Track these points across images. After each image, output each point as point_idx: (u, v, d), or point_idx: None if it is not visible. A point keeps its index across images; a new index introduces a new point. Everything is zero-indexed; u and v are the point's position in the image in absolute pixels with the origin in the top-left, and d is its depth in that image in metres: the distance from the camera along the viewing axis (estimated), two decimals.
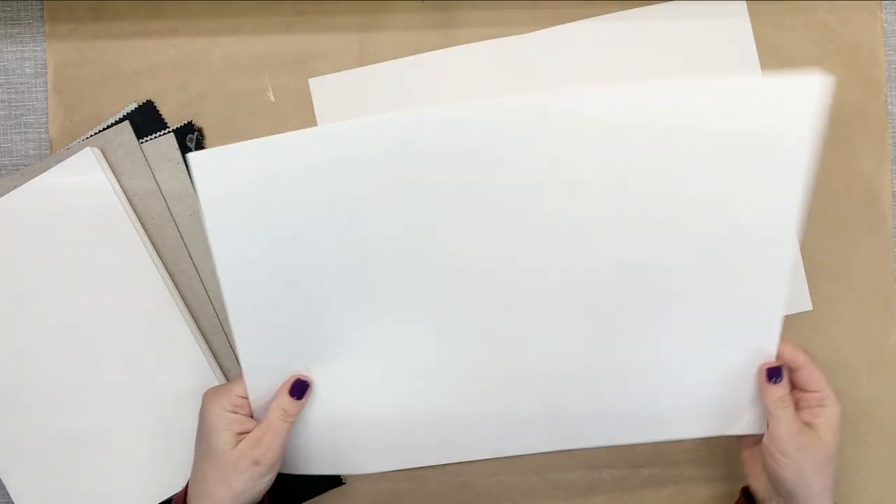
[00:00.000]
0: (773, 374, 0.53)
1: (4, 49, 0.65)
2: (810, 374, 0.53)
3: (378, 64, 0.64)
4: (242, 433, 0.53)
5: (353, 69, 0.64)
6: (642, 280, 0.52)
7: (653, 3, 0.63)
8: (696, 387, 0.55)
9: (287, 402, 0.54)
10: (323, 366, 0.55)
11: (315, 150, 0.50)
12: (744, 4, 0.63)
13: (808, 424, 0.52)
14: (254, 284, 0.52)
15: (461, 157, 0.51)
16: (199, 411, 0.54)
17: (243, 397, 0.54)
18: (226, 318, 0.63)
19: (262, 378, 0.54)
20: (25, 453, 0.61)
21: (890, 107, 0.64)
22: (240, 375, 0.54)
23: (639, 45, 0.64)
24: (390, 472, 0.62)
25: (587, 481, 0.64)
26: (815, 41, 0.64)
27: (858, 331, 0.63)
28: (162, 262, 0.62)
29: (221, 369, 0.62)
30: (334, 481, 0.63)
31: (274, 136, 0.50)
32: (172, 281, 0.62)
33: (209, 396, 0.55)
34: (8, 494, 0.62)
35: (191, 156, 0.51)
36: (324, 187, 0.51)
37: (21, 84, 0.65)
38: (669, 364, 0.54)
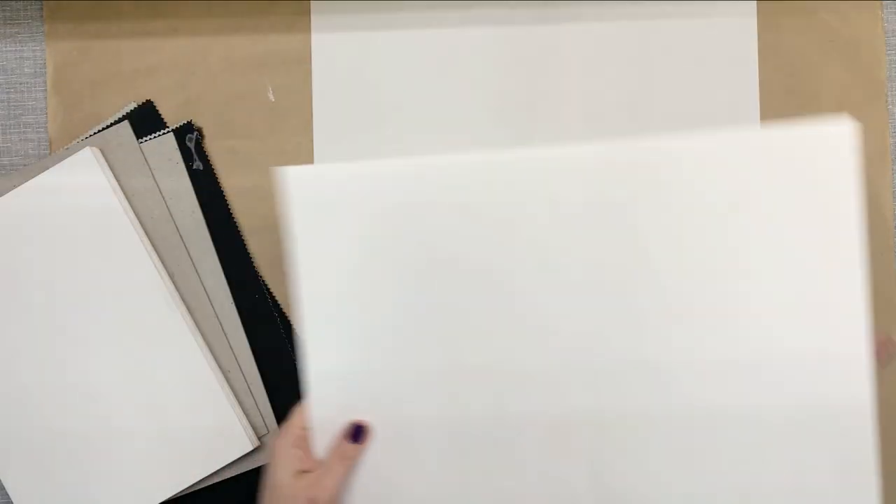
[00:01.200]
0: None
1: (4, 49, 0.65)
2: None
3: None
4: (304, 470, 0.52)
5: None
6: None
7: (656, 1, 0.63)
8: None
9: (345, 445, 0.53)
10: (387, 412, 0.53)
11: (413, 186, 0.51)
12: (753, 4, 0.63)
13: None
14: (334, 316, 0.52)
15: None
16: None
17: (304, 429, 0.53)
18: (224, 317, 0.63)
19: (327, 411, 0.53)
20: (25, 453, 0.61)
21: (890, 107, 0.64)
22: (301, 405, 0.54)
23: (639, 45, 0.64)
24: None
25: None
26: (816, 41, 0.64)
27: None
28: (162, 262, 0.62)
29: (221, 369, 0.62)
30: None
31: (371, 161, 0.51)
32: (172, 281, 0.62)
33: (281, 429, 0.54)
34: (7, 494, 0.62)
35: (286, 170, 0.51)
36: (414, 226, 0.51)
37: (21, 84, 0.65)
38: None
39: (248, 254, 0.64)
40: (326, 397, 0.53)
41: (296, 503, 0.52)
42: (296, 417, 0.54)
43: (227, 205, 0.64)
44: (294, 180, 0.52)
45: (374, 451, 0.53)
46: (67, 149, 0.63)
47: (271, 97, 0.64)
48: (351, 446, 0.53)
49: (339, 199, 0.51)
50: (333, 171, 0.52)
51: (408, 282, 0.52)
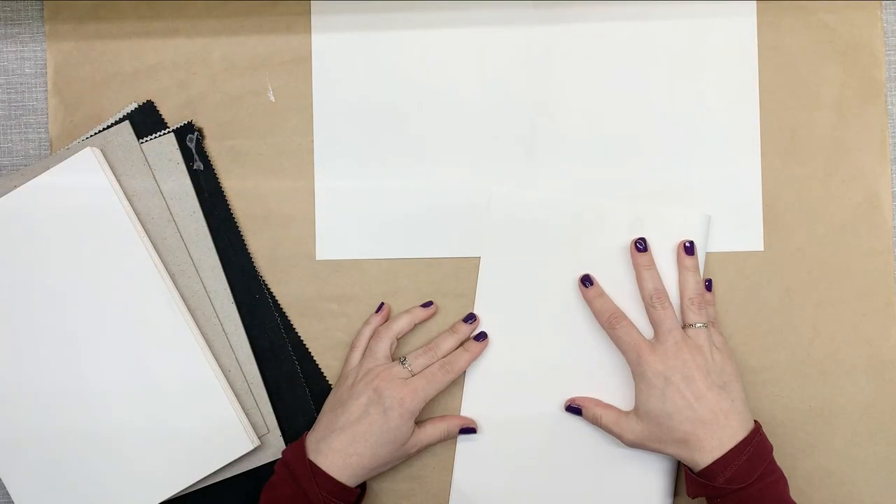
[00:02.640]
0: None
1: (4, 49, 0.65)
2: None
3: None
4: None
5: None
6: None
7: (656, 1, 0.63)
8: None
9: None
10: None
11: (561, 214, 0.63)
12: (753, 5, 0.63)
13: None
14: (500, 312, 0.63)
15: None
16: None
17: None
18: (225, 317, 0.63)
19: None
20: (25, 453, 0.61)
21: (890, 107, 0.64)
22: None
23: (639, 45, 0.64)
24: (389, 470, 0.63)
25: None
26: (815, 41, 0.64)
27: (858, 331, 0.63)
28: (162, 262, 0.62)
29: (221, 368, 0.62)
30: None
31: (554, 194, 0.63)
32: (172, 281, 0.62)
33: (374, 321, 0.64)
34: (8, 494, 0.62)
35: (495, 190, 0.63)
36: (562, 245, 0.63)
37: (21, 84, 0.65)
38: None
39: (249, 254, 0.64)
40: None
41: (391, 384, 0.58)
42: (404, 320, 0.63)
43: (227, 205, 0.64)
44: (499, 200, 0.64)
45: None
46: (68, 149, 0.63)
47: (271, 97, 0.64)
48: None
49: (525, 218, 0.64)
50: (532, 196, 0.64)
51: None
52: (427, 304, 0.63)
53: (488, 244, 0.64)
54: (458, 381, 0.62)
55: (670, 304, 0.60)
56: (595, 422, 0.61)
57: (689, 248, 0.61)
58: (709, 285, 0.62)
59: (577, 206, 0.63)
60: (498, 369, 0.63)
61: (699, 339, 0.58)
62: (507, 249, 0.63)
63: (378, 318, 0.63)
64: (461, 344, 0.62)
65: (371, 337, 0.62)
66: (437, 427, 0.61)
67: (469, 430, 0.62)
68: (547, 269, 0.63)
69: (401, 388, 0.58)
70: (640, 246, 0.61)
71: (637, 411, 0.59)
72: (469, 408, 0.63)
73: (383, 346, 0.61)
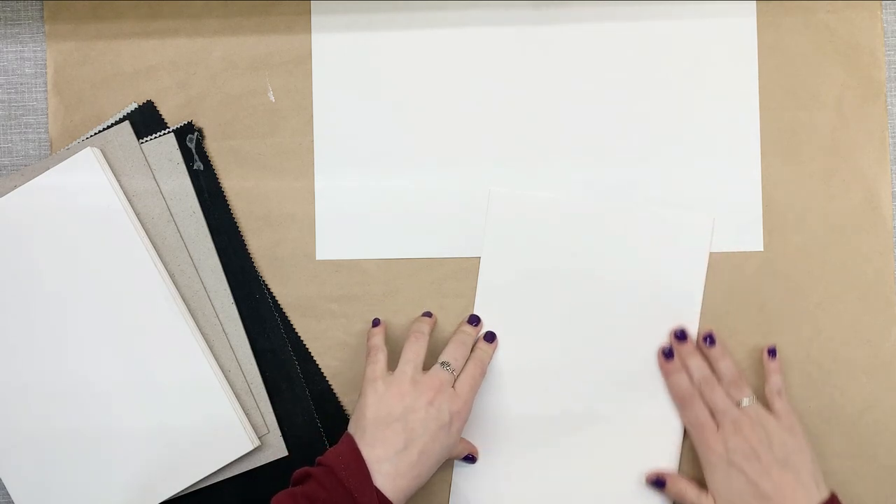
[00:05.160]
0: None
1: (4, 49, 0.65)
2: None
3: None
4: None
5: None
6: None
7: (656, 1, 0.63)
8: None
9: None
10: None
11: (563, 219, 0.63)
12: (753, 5, 0.63)
13: None
14: (500, 312, 0.63)
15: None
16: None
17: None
18: (225, 317, 0.63)
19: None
20: (26, 452, 0.61)
21: (890, 107, 0.64)
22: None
23: (639, 45, 0.64)
24: None
25: None
26: (815, 41, 0.64)
27: (858, 331, 0.63)
28: (162, 262, 0.62)
29: (221, 368, 0.62)
30: None
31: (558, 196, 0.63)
32: (172, 281, 0.62)
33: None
34: (8, 494, 0.62)
35: (493, 190, 0.63)
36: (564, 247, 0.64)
37: (21, 84, 0.65)
38: None
39: (249, 254, 0.64)
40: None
41: (442, 384, 0.56)
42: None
43: (227, 205, 0.64)
44: (497, 200, 0.63)
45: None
46: (68, 149, 0.63)
47: (271, 97, 0.64)
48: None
49: (527, 220, 0.64)
50: (531, 198, 0.64)
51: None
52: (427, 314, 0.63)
53: (488, 244, 0.64)
54: None
55: (718, 385, 0.59)
56: (679, 497, 0.60)
57: (709, 340, 0.61)
58: (772, 352, 0.61)
59: (577, 206, 0.63)
60: (498, 369, 0.63)
61: (752, 413, 0.57)
62: (507, 249, 0.63)
63: (429, 320, 0.62)
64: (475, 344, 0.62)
65: (408, 343, 0.59)
66: (460, 447, 0.61)
67: (470, 458, 0.62)
68: (547, 269, 0.63)
69: (454, 400, 0.56)
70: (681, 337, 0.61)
71: (710, 491, 0.58)
72: None
73: (422, 352, 0.59)
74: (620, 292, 0.62)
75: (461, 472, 0.63)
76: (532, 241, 0.63)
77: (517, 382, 0.63)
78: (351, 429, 0.56)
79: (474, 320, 0.63)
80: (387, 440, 0.53)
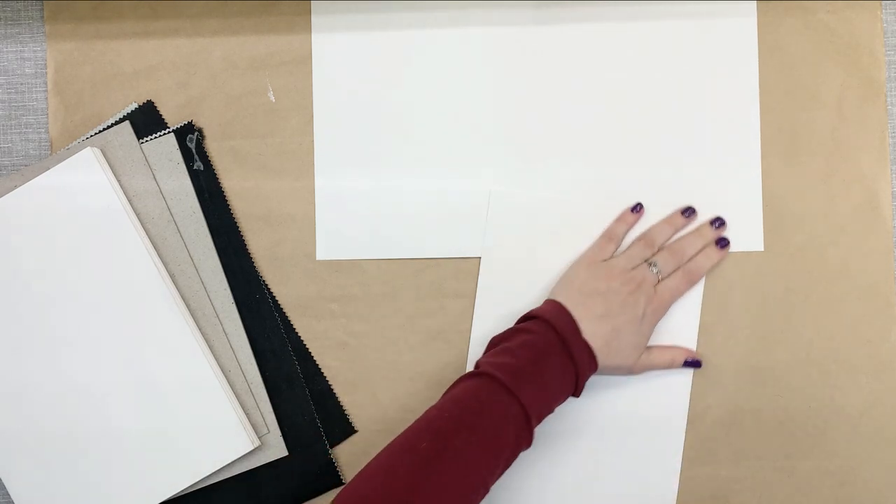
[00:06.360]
0: None
1: (4, 49, 0.65)
2: None
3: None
4: None
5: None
6: None
7: (656, 1, 0.63)
8: None
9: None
10: None
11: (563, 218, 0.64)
12: (753, 5, 0.63)
13: None
14: (500, 312, 0.64)
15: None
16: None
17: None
18: (225, 317, 0.63)
19: None
20: (25, 453, 0.61)
21: (890, 107, 0.64)
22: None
23: (639, 45, 0.64)
24: None
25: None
26: (815, 41, 0.64)
27: (858, 331, 0.63)
28: (162, 262, 0.62)
29: (221, 369, 0.62)
30: (334, 480, 0.63)
31: (559, 196, 0.64)
32: (172, 281, 0.62)
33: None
34: (8, 494, 0.62)
35: (493, 190, 0.63)
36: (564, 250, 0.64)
37: (21, 84, 0.65)
38: None
39: (249, 254, 0.64)
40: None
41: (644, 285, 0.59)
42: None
43: (227, 205, 0.64)
44: (496, 199, 0.64)
45: None
46: (68, 149, 0.63)
47: (272, 97, 0.64)
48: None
49: (527, 222, 0.64)
50: (530, 198, 0.64)
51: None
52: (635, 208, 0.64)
53: (488, 244, 0.64)
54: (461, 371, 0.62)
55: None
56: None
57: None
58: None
59: (577, 206, 0.63)
60: None
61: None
62: (507, 249, 0.64)
63: (633, 217, 0.63)
64: (703, 248, 0.63)
65: (628, 236, 0.63)
66: (665, 354, 0.62)
67: (694, 362, 0.62)
68: (547, 269, 0.63)
69: (653, 298, 0.60)
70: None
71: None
72: None
73: (642, 252, 0.61)
74: None
75: None
76: (532, 241, 0.63)
77: None
78: (553, 297, 0.60)
79: (716, 221, 0.63)
80: (587, 306, 0.58)
